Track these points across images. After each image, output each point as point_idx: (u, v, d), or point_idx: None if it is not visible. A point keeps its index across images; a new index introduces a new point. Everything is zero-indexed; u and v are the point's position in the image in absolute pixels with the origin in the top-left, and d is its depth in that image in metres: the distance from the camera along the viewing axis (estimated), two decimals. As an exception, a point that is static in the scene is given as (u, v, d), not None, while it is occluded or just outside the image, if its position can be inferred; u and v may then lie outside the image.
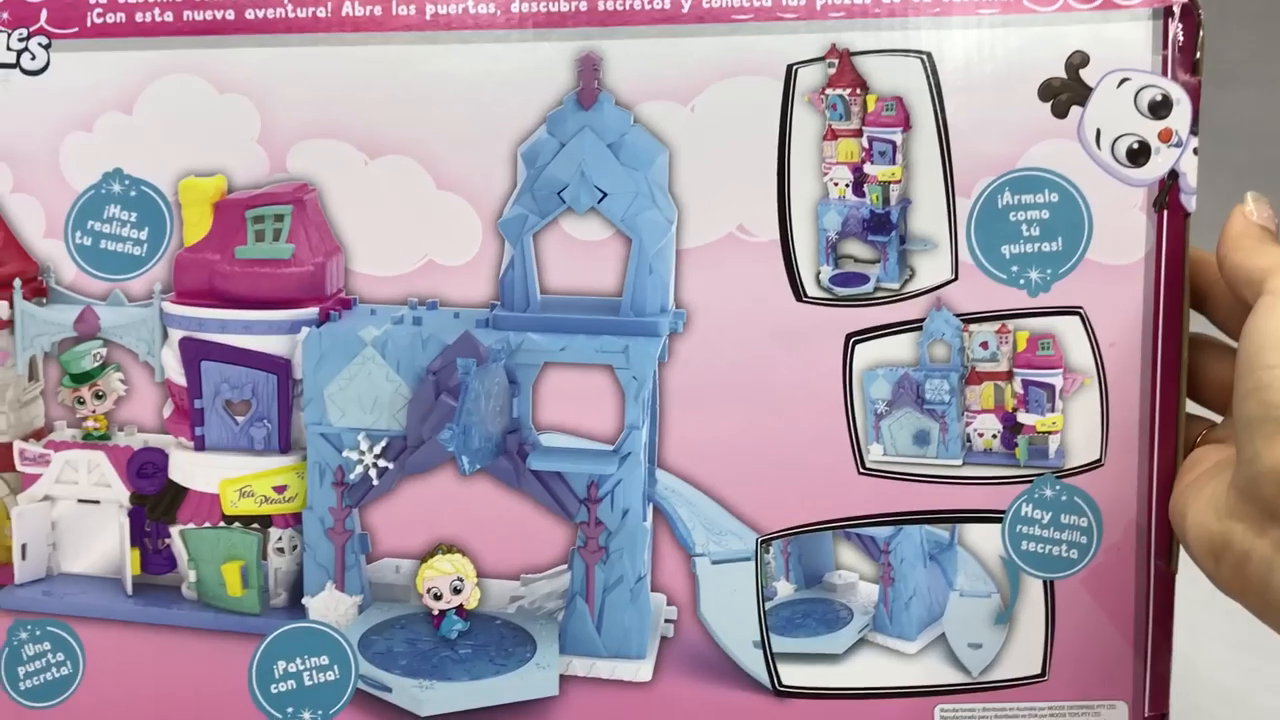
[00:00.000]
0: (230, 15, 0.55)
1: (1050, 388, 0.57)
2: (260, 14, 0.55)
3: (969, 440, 0.57)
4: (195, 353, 0.56)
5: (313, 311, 0.56)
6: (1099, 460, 0.57)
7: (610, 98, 0.55)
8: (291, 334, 0.56)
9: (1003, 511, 0.57)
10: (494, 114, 0.55)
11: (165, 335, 0.57)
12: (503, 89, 0.55)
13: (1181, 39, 0.56)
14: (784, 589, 0.59)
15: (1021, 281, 0.56)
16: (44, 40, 0.55)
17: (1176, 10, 0.56)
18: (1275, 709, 0.74)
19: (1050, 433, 0.57)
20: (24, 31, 0.55)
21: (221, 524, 0.57)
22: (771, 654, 0.57)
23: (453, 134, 0.55)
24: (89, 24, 0.56)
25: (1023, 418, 0.57)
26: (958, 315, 0.56)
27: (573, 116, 0.55)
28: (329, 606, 0.56)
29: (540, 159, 0.56)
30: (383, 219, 0.56)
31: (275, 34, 0.55)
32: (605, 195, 0.56)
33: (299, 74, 0.55)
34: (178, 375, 0.57)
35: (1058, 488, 0.57)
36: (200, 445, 0.57)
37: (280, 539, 0.57)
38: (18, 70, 0.55)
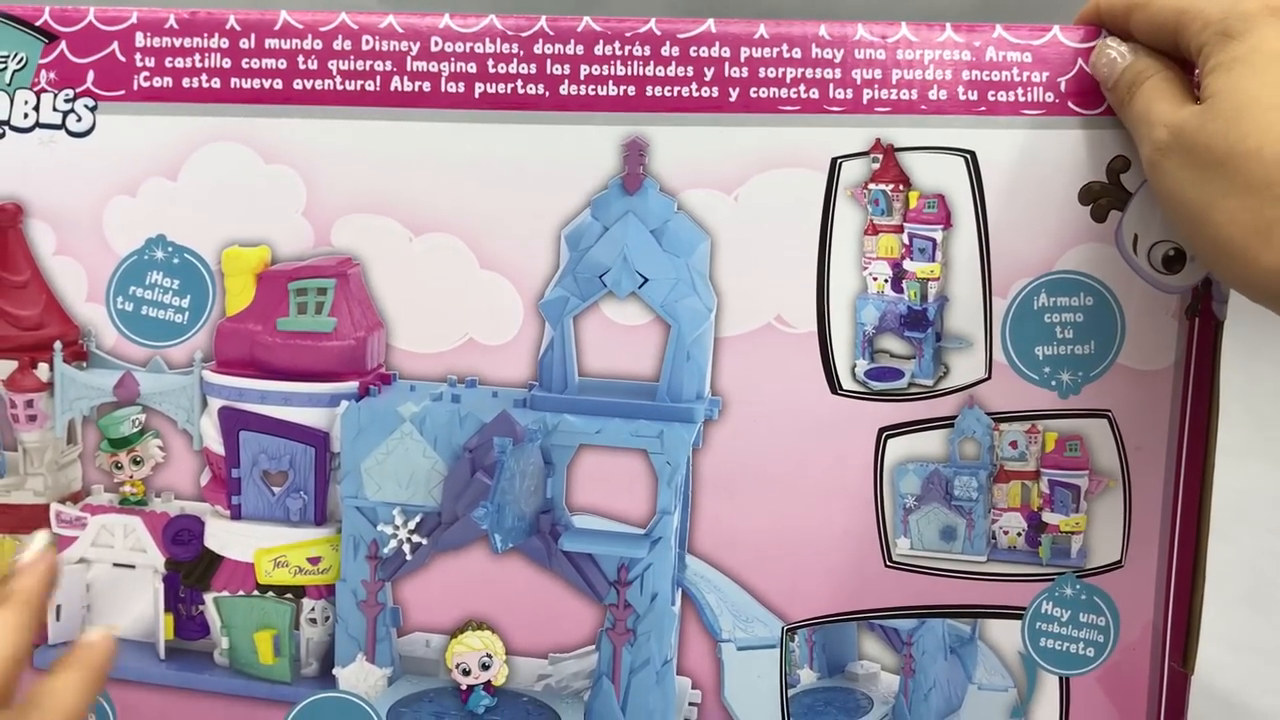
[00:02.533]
0: (278, 85, 0.50)
1: (1076, 489, 0.52)
2: (308, 85, 0.51)
3: (994, 537, 0.53)
4: (234, 422, 0.52)
5: (352, 386, 0.52)
6: (1119, 561, 0.53)
7: (655, 184, 0.51)
8: (330, 407, 0.52)
9: (1023, 608, 0.53)
10: (539, 195, 0.51)
11: (205, 404, 0.52)
12: (548, 171, 0.51)
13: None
14: (807, 677, 0.54)
15: (1053, 383, 0.52)
16: (90, 102, 0.51)
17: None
18: (1275, 710, 0.70)
19: (1073, 533, 0.52)
20: (70, 93, 0.51)
21: (255, 593, 0.53)
22: (793, 740, 0.52)
23: (497, 214, 0.51)
24: (135, 87, 0.51)
25: (1047, 517, 0.53)
26: (989, 414, 0.52)
27: (617, 201, 0.51)
28: (359, 678, 0.52)
29: (583, 242, 0.51)
30: (425, 296, 0.51)
31: (323, 106, 0.51)
32: (646, 280, 0.51)
33: (346, 148, 0.51)
34: (216, 444, 0.52)
35: (1078, 587, 0.52)
36: (236, 514, 0.53)
37: (313, 609, 0.53)
38: (63, 131, 0.51)
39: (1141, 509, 0.53)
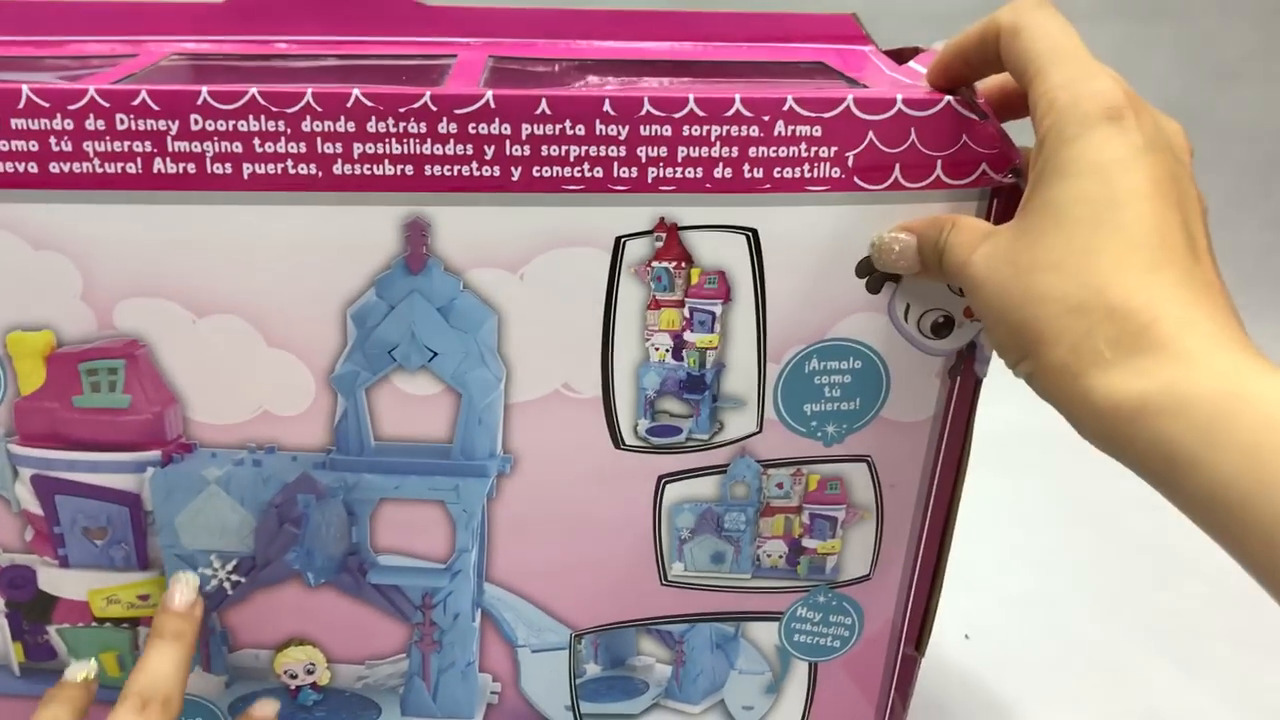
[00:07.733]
0: (33, 168, 0.46)
1: (834, 520, 0.56)
2: (65, 168, 0.46)
3: (759, 559, 0.57)
4: (48, 488, 0.52)
5: (156, 454, 0.52)
6: (868, 575, 0.58)
7: (439, 263, 0.49)
8: (138, 473, 0.52)
9: (782, 613, 0.58)
10: (320, 276, 0.49)
11: (16, 472, 0.52)
12: (328, 251, 0.49)
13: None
14: (592, 669, 0.59)
15: (819, 434, 0.54)
16: None
17: (1005, 189, 0.53)
18: (1277, 709, 0.70)
19: (829, 554, 0.57)
20: None
21: (94, 624, 0.55)
22: (580, 715, 0.60)
23: (279, 294, 0.49)
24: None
25: (806, 543, 0.56)
26: (759, 461, 0.54)
27: (401, 280, 0.49)
28: (200, 684, 0.57)
29: (370, 320, 0.50)
30: (215, 374, 0.51)
31: (85, 189, 0.47)
32: (435, 355, 0.51)
33: (117, 232, 0.48)
34: (35, 506, 0.53)
35: (829, 595, 0.57)
36: (65, 563, 0.54)
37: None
38: None
39: (891, 533, 0.58)
